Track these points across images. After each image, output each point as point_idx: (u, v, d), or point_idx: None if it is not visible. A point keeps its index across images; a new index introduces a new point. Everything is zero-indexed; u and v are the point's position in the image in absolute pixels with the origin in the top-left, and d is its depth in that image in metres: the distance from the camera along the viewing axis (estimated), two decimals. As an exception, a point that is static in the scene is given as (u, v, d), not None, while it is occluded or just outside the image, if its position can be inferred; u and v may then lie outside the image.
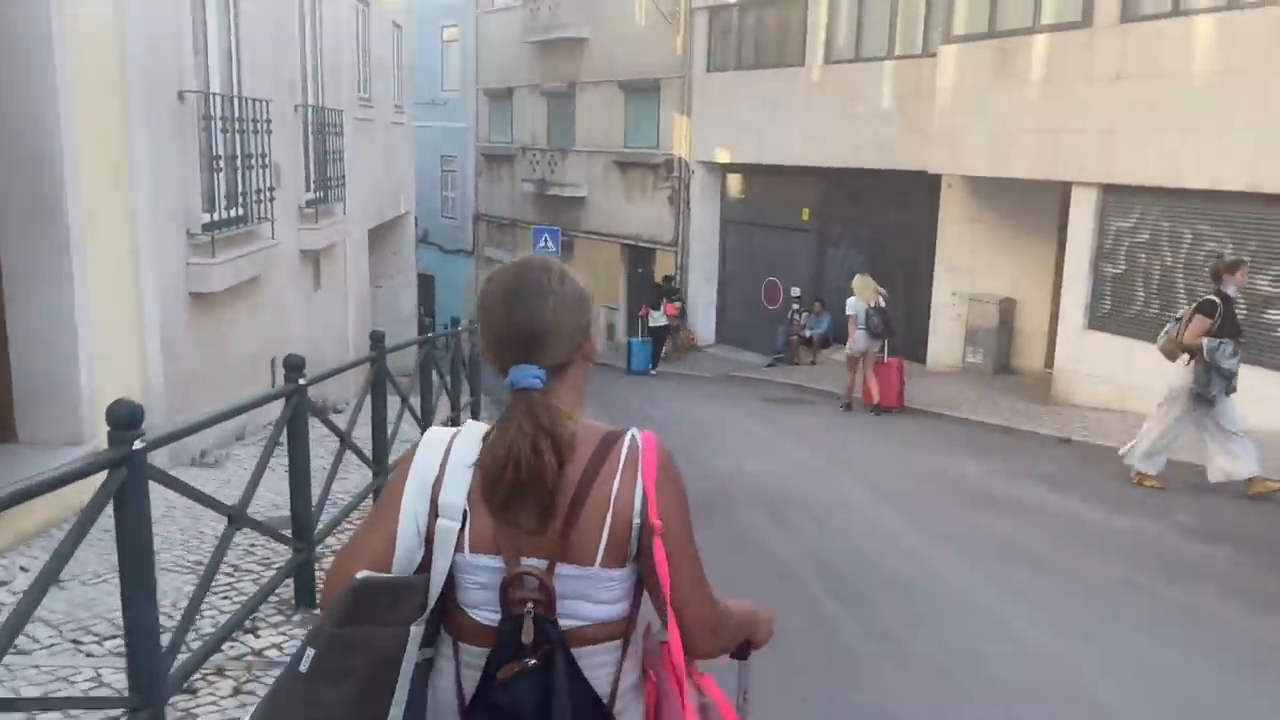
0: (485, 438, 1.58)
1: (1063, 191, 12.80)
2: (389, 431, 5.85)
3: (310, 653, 1.50)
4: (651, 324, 18.78)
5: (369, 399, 5.63)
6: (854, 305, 12.27)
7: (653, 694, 1.67)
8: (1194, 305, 7.82)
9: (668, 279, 20.72)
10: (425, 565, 1.57)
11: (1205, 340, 7.46)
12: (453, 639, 1.60)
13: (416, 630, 1.54)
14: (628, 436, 1.59)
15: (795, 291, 19.28)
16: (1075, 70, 11.91)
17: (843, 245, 18.47)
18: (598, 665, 1.58)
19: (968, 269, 15.51)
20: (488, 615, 1.55)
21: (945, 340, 15.87)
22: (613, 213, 23.31)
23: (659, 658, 1.67)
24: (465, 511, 1.55)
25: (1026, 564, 6.04)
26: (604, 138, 23.34)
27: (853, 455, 9.68)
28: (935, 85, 14.43)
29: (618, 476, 1.55)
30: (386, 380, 5.73)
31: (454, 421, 10.30)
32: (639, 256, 22.85)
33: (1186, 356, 7.65)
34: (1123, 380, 11.64)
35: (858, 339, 12.20)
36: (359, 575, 1.54)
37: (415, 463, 1.60)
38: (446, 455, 1.59)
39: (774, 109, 18.58)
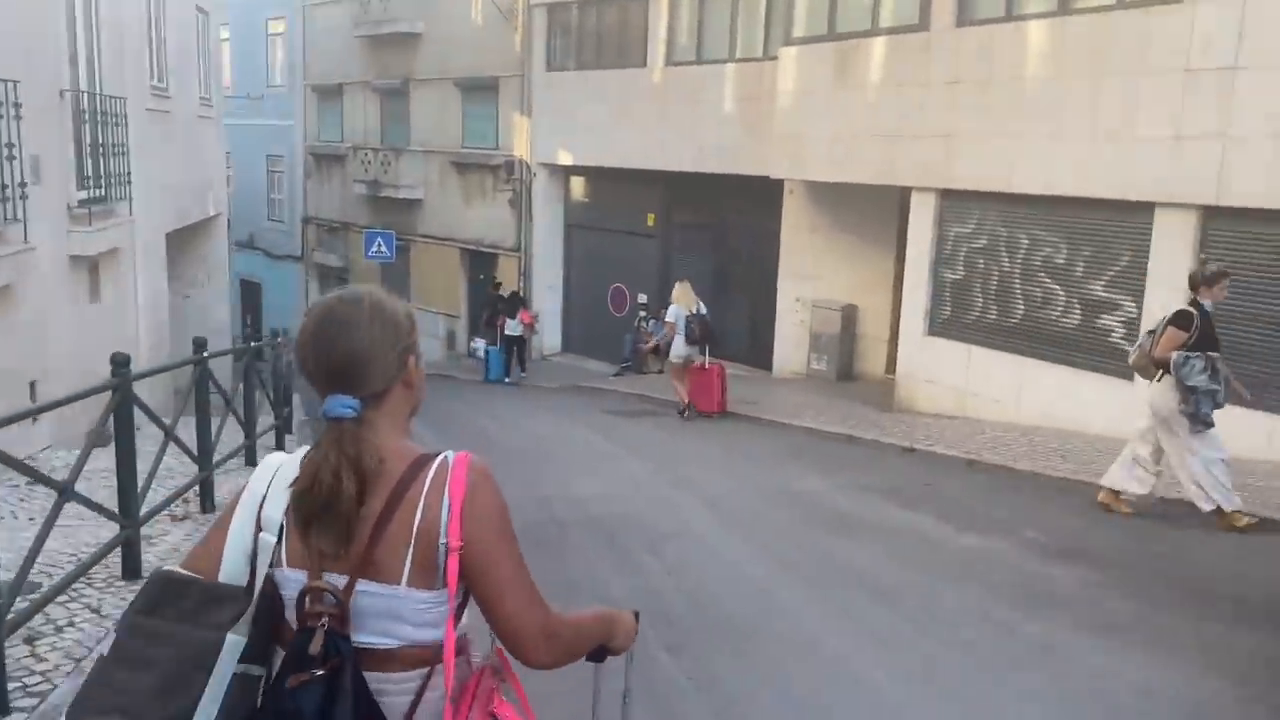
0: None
1: (902, 197, 12.70)
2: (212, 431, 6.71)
3: (111, 637, 1.57)
4: (508, 332, 17.96)
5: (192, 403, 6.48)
6: (675, 312, 12.21)
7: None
8: (1167, 316, 6.97)
9: (497, 286, 19.68)
10: (252, 580, 1.64)
11: (1174, 355, 6.69)
12: (281, 652, 1.63)
13: (234, 639, 1.57)
14: (439, 459, 1.64)
15: (642, 298, 18.80)
16: (913, 74, 11.80)
17: (689, 251, 18.08)
18: (397, 691, 1.62)
19: (811, 275, 15.34)
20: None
21: (790, 347, 15.66)
22: (451, 216, 22.29)
23: (480, 687, 1.71)
24: (282, 527, 1.64)
25: (878, 597, 5.56)
26: (441, 137, 22.30)
27: (696, 472, 9.14)
28: (776, 88, 14.17)
29: (422, 499, 1.61)
30: (209, 383, 6.64)
31: (278, 431, 9.58)
32: (480, 262, 21.91)
33: (1160, 373, 6.82)
34: (963, 386, 11.57)
35: (679, 345, 12.13)
36: (163, 569, 1.64)
37: (251, 482, 1.70)
38: (274, 475, 1.69)
39: (616, 110, 18.05)
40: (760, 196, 15.75)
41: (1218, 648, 4.81)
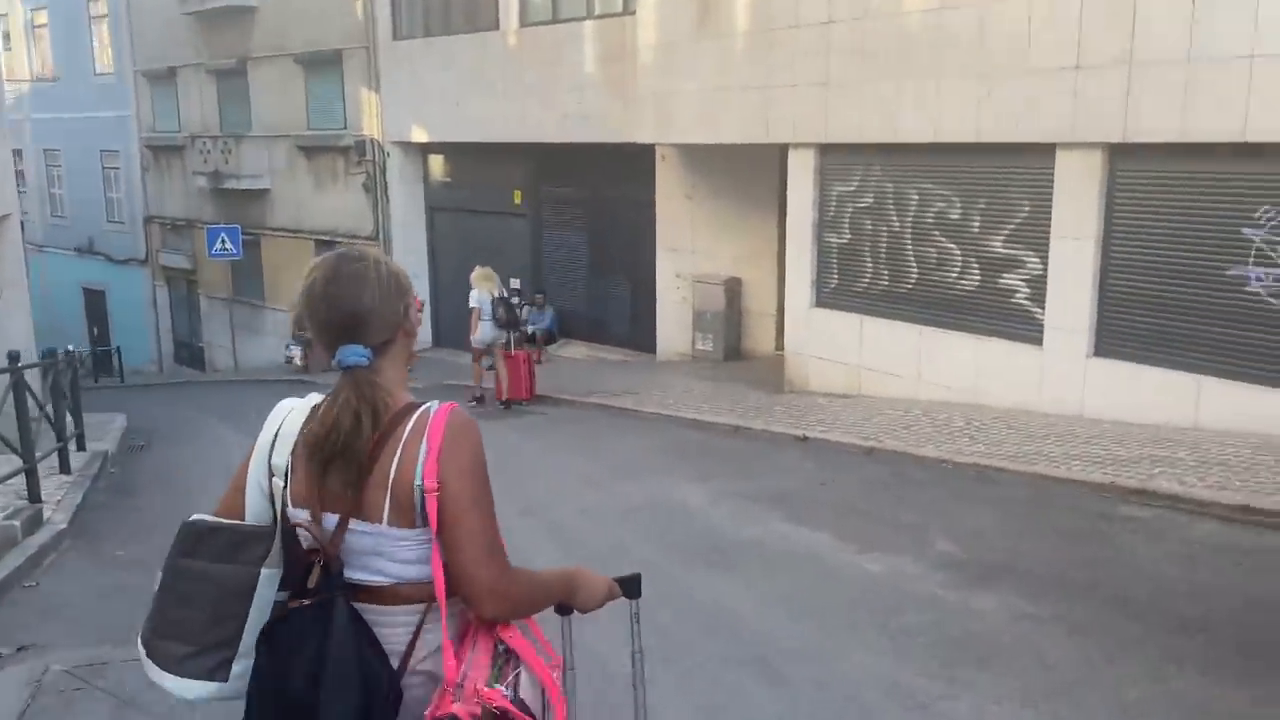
0: (316, 408, 1.82)
1: (782, 156, 11.49)
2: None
3: (159, 575, 1.84)
4: None
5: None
6: (476, 298, 11.84)
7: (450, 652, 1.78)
8: None
9: None
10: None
11: None
12: None
13: (269, 572, 1.77)
14: (423, 408, 1.80)
15: (515, 283, 17.27)
16: (782, 18, 10.55)
17: (561, 229, 16.64)
18: (394, 624, 1.78)
19: (690, 248, 14.08)
20: None
21: (674, 327, 14.40)
22: (301, 205, 20.35)
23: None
24: (288, 469, 1.82)
25: (759, 670, 4.27)
26: (284, 120, 20.31)
27: (549, 485, 7.77)
28: (638, 45, 12.79)
29: (401, 444, 1.76)
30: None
31: (61, 453, 8.80)
32: (337, 254, 20.01)
33: None
34: (857, 361, 10.45)
35: (483, 330, 11.80)
36: (192, 517, 1.85)
37: (263, 430, 1.88)
38: (281, 423, 1.86)
39: (470, 79, 16.44)
40: (634, 165, 14.42)
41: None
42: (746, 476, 7.78)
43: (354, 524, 1.76)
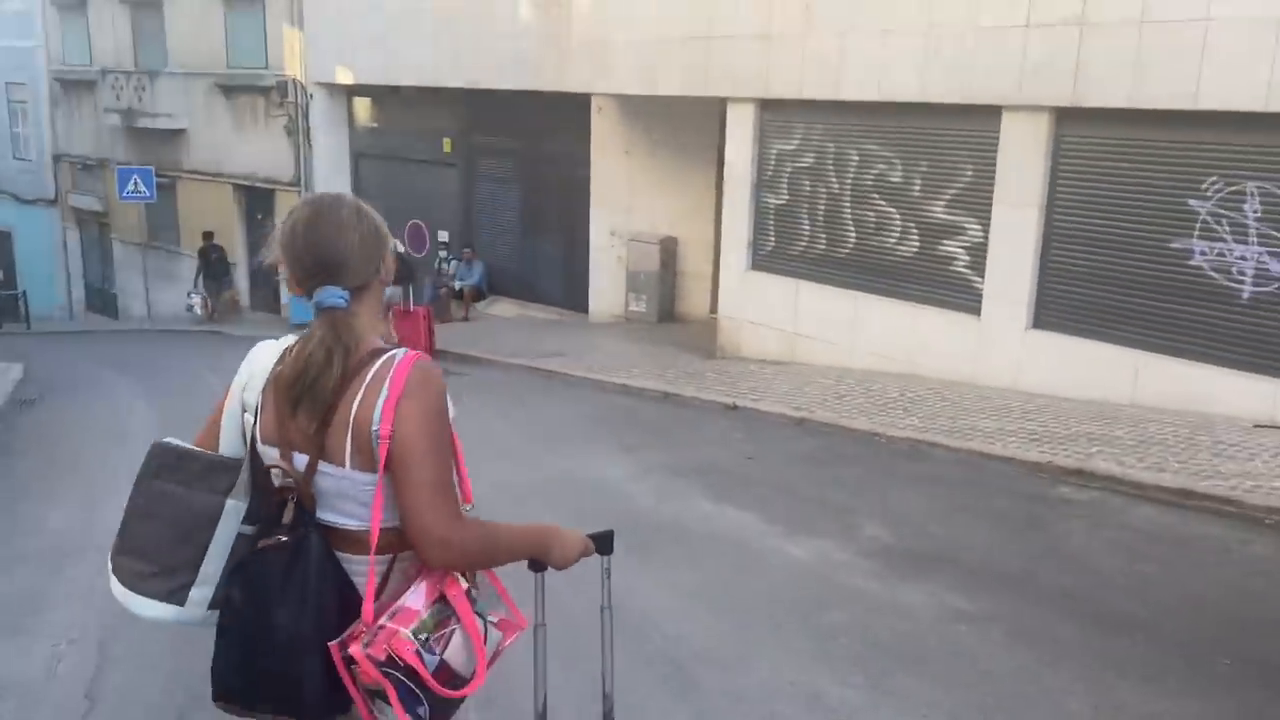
0: (289, 350, 1.84)
1: (721, 112, 11.00)
2: None
3: (130, 492, 1.88)
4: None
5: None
6: None
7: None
8: None
9: (209, 236, 17.61)
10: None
11: None
12: None
13: (234, 504, 1.84)
14: (387, 354, 1.79)
15: (443, 236, 16.65)
16: (724, -37, 10.03)
17: (492, 180, 15.98)
18: (359, 571, 1.79)
19: (625, 206, 13.56)
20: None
21: (607, 287, 13.91)
22: (220, 148, 19.32)
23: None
24: (257, 407, 1.85)
25: (672, 676, 3.89)
26: (202, 56, 19.19)
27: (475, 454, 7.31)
28: (574, -13, 12.17)
29: (364, 388, 1.76)
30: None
31: None
32: (257, 200, 19.13)
33: None
34: (792, 328, 10.11)
35: None
36: (162, 440, 1.89)
37: (240, 368, 1.91)
38: (254, 361, 1.89)
39: (400, 18, 15.59)
40: (570, 117, 13.80)
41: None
42: (672, 448, 7.40)
43: (322, 465, 1.79)
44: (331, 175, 17.82)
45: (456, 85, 15.03)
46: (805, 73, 9.39)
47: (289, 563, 1.75)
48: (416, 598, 1.77)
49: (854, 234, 9.51)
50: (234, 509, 1.83)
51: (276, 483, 1.82)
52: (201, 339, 16.53)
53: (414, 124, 16.73)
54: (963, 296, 8.60)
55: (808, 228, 9.93)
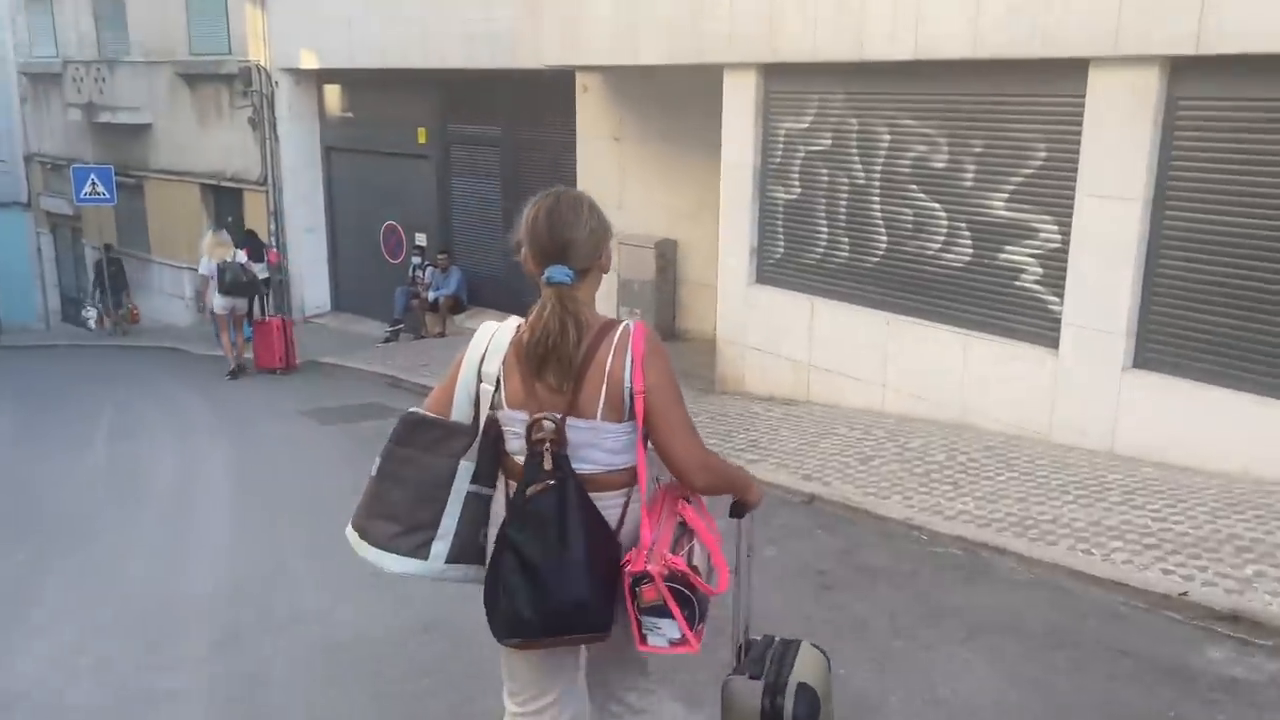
0: (519, 327, 2.19)
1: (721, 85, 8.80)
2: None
3: (377, 461, 2.23)
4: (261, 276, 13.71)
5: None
6: (206, 265, 11.69)
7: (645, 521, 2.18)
8: None
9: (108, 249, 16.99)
10: (475, 420, 2.21)
11: None
12: (504, 478, 2.22)
13: (466, 465, 2.19)
14: (623, 325, 2.17)
15: (420, 239, 14.64)
16: (717, -108, 7.82)
17: (470, 174, 13.90)
18: (607, 506, 2.17)
19: (616, 202, 11.39)
20: (522, 457, 2.15)
21: (599, 299, 11.72)
22: (185, 144, 17.48)
23: (666, 498, 2.26)
24: (499, 378, 2.16)
25: None
26: (165, 42, 17.37)
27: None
28: (547, -60, 10.02)
29: (611, 353, 2.13)
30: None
31: None
32: (227, 200, 17.26)
33: None
34: (805, 357, 7.90)
35: (217, 300, 11.66)
36: (409, 411, 2.24)
37: (470, 345, 2.23)
38: (490, 338, 2.20)
39: (365, -8, 13.62)
40: (554, 99, 11.73)
41: None
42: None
43: (572, 420, 2.12)
44: (300, 172, 15.90)
45: (424, 66, 12.99)
46: (819, 27, 7.17)
47: (558, 503, 2.08)
48: (662, 524, 2.17)
49: (885, 237, 7.28)
50: (466, 470, 2.19)
51: (536, 436, 2.10)
52: (103, 355, 14.73)
53: (388, 113, 14.72)
54: (1034, 322, 6.36)
55: (826, 229, 7.72)
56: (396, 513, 2.16)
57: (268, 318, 12.13)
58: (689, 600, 2.09)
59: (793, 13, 7.33)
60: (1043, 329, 6.29)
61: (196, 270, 12.98)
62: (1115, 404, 5.88)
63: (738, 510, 2.41)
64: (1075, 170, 5.93)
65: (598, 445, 2.12)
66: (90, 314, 17.96)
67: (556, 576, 2.04)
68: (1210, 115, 5.39)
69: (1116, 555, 4.54)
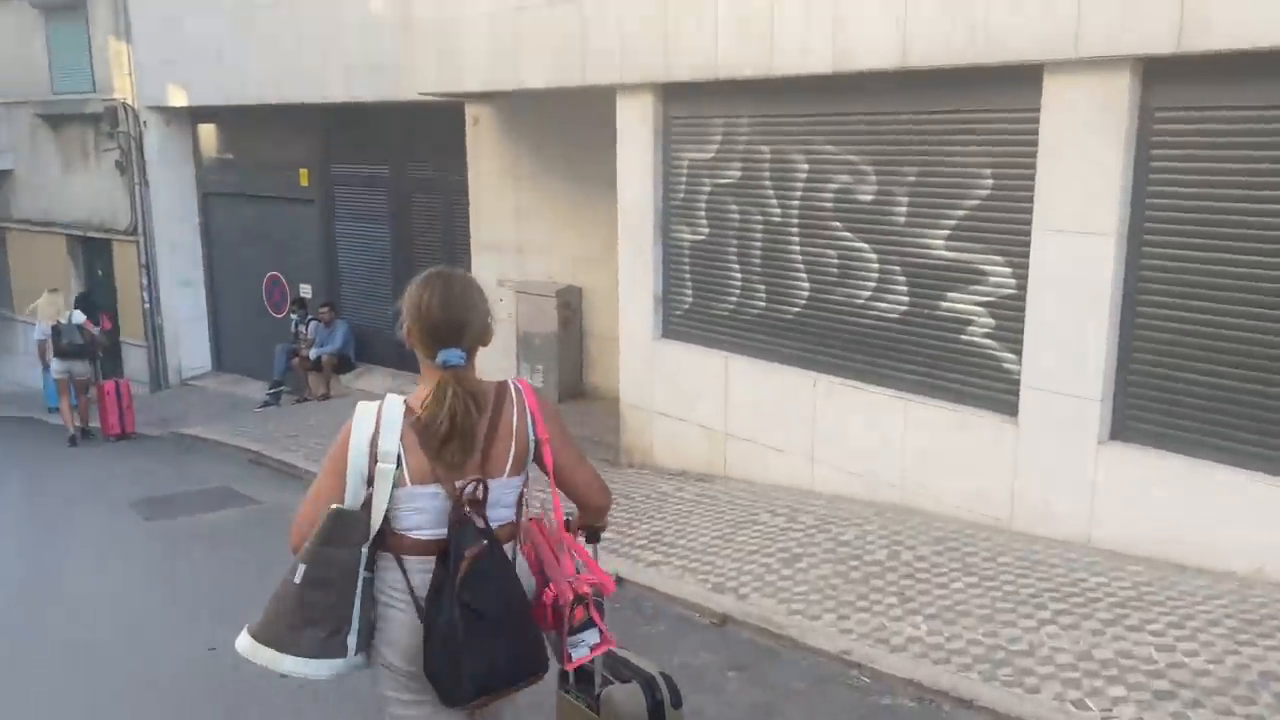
0: (411, 405, 2.22)
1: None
2: None
3: (302, 568, 2.16)
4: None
5: None
6: (40, 329, 11.28)
7: (531, 555, 2.38)
8: None
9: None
10: (368, 502, 2.18)
11: None
12: (395, 556, 2.22)
13: (365, 551, 2.20)
14: (511, 385, 2.33)
15: (305, 290, 13.25)
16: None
17: (357, 218, 12.58)
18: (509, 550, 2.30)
19: (514, 246, 10.22)
20: (430, 532, 2.20)
21: (495, 354, 10.34)
22: (49, 191, 15.91)
23: (541, 530, 2.41)
24: (400, 456, 2.17)
25: None
26: (25, 81, 15.82)
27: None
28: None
29: (515, 414, 2.29)
30: None
31: None
32: (95, 252, 15.68)
33: None
34: (720, 424, 6.73)
35: (54, 364, 11.23)
36: (334, 506, 2.17)
37: (355, 426, 2.20)
38: (379, 416, 2.20)
39: (238, 22, 12.32)
40: (445, 135, 10.55)
41: None
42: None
43: (489, 481, 2.23)
44: (174, 220, 14.42)
45: (302, 101, 11.71)
46: (720, 38, 6.08)
47: (500, 560, 2.19)
48: (560, 552, 2.37)
49: (808, 284, 6.17)
50: (363, 556, 2.19)
51: (470, 500, 2.20)
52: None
53: (268, 154, 13.37)
54: (986, 384, 5.26)
55: (740, 275, 6.59)
56: (323, 616, 2.17)
57: (102, 382, 11.58)
58: (600, 606, 2.36)
59: (690, 23, 6.23)
60: (998, 392, 5.19)
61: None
62: (1090, 485, 4.78)
63: (594, 536, 2.62)
64: (1030, 200, 4.87)
65: (499, 502, 2.26)
66: None
67: (517, 627, 2.19)
68: (1195, 128, 4.36)
69: (1122, 710, 3.38)
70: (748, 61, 5.95)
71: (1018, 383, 5.03)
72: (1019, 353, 5.03)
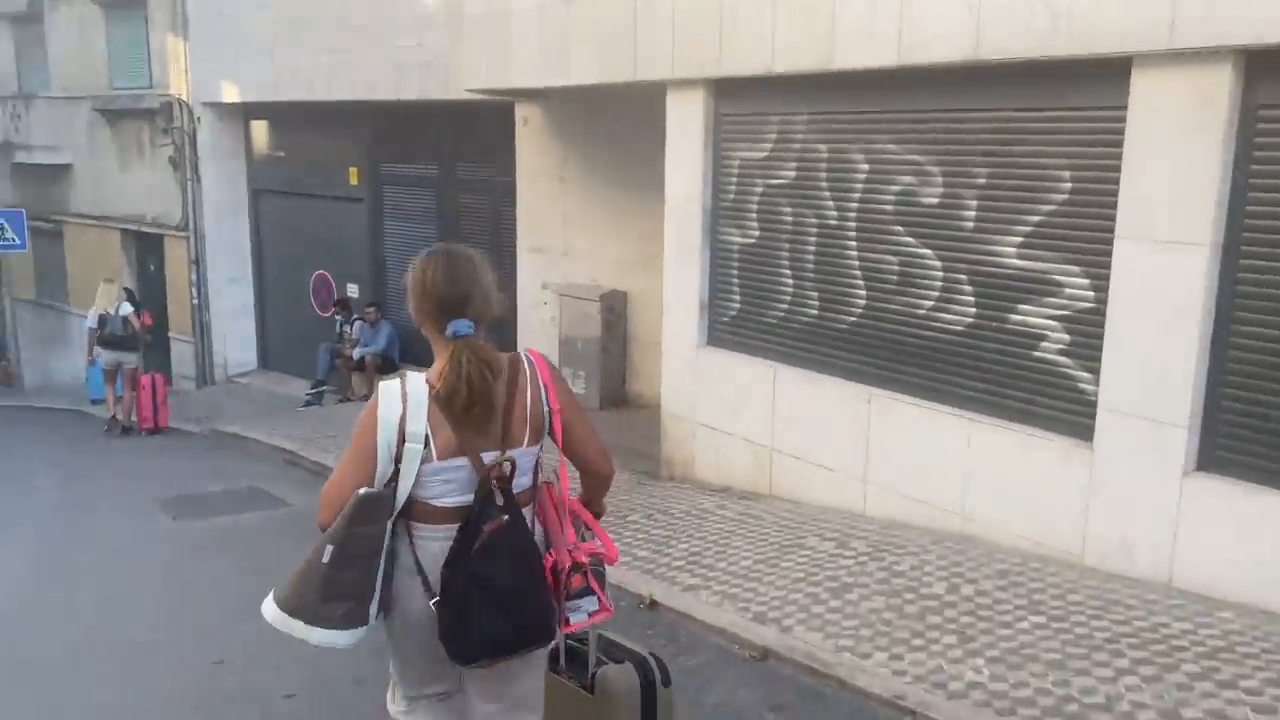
0: (431, 380, 2.30)
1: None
2: None
3: (330, 549, 2.23)
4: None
5: None
6: (91, 318, 11.36)
7: (540, 519, 2.49)
8: None
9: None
10: (392, 479, 2.28)
11: None
12: (418, 523, 2.33)
13: (388, 527, 2.29)
14: (524, 358, 2.41)
15: (352, 290, 13.13)
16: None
17: (404, 219, 12.45)
18: (528, 516, 2.43)
19: (560, 249, 9.97)
20: (453, 499, 2.31)
21: (538, 358, 10.20)
22: (105, 185, 16.01)
23: (552, 496, 2.53)
24: (427, 435, 2.26)
25: None
26: (85, 77, 15.97)
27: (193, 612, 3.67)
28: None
29: (529, 385, 2.38)
30: None
31: None
32: (149, 247, 15.76)
33: None
34: (766, 439, 6.36)
35: (105, 355, 11.28)
36: (361, 490, 2.24)
37: (380, 408, 2.27)
38: (404, 397, 2.27)
39: (291, 20, 12.27)
40: (495, 135, 10.33)
41: None
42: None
43: (510, 451, 2.32)
44: (224, 216, 14.42)
45: (351, 98, 11.59)
46: (777, 31, 5.74)
47: (518, 533, 2.30)
48: (565, 520, 2.51)
49: (865, 292, 5.79)
50: (387, 531, 2.29)
51: (497, 475, 2.30)
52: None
53: (319, 151, 13.29)
54: (1059, 405, 4.84)
55: (791, 281, 6.23)
56: (350, 592, 2.24)
57: (140, 374, 11.65)
58: (601, 575, 2.49)
59: (747, 15, 5.90)
60: (1072, 414, 4.77)
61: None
62: (1174, 520, 4.34)
63: (597, 511, 2.68)
64: (1113, 206, 4.46)
65: (520, 470, 2.34)
66: None
67: (530, 597, 2.30)
68: (1302, 128, 3.93)
69: (1215, 783, 2.97)
70: (806, 55, 5.59)
71: (1094, 404, 4.61)
72: (1096, 372, 4.60)
